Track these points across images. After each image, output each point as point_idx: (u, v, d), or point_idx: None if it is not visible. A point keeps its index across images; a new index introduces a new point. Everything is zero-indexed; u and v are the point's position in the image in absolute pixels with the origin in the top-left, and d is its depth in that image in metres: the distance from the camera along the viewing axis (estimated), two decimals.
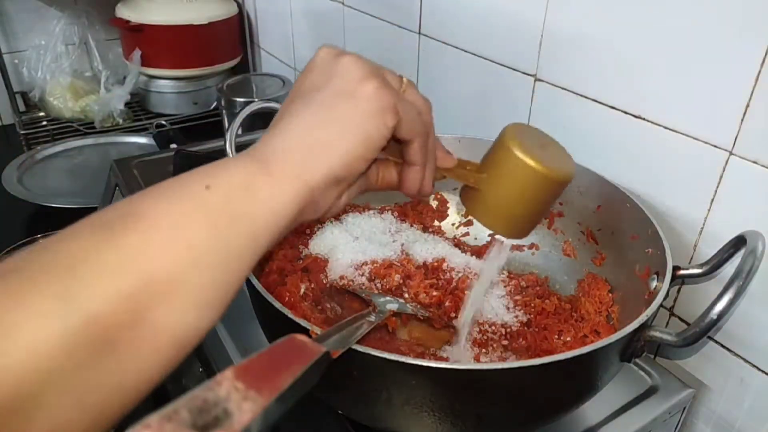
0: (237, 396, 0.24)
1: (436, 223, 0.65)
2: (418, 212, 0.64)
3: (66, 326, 0.22)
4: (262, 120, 1.03)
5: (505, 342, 0.48)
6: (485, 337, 0.47)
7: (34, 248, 0.25)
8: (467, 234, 0.64)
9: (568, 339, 0.48)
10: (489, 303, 0.50)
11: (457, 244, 0.60)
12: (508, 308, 0.50)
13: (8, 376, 0.21)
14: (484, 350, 0.46)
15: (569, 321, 0.50)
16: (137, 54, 1.16)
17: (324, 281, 0.51)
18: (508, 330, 0.48)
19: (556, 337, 0.48)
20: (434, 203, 0.65)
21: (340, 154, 0.30)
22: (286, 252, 0.52)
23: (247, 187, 0.28)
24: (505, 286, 0.52)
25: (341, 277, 0.50)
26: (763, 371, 0.49)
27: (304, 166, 0.29)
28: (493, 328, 0.48)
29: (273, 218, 0.28)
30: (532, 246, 0.61)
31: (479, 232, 0.64)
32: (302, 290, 0.49)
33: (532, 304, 0.50)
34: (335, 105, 0.31)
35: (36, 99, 1.22)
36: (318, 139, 0.30)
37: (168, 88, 1.23)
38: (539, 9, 0.59)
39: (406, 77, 0.35)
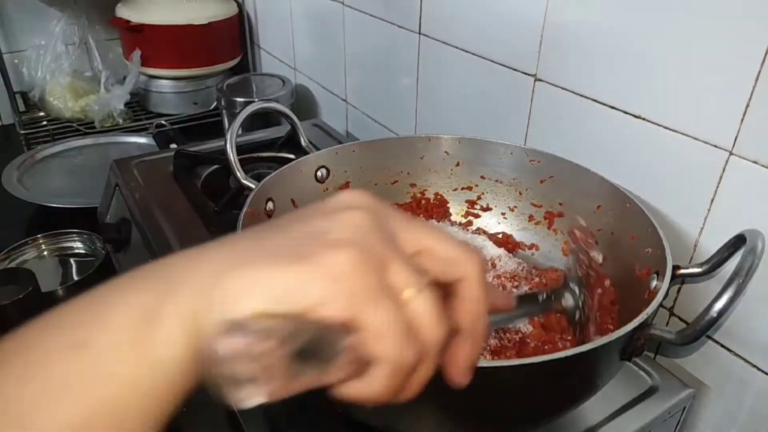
0: (348, 355, 0.22)
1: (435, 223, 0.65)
2: (423, 208, 0.64)
3: None
4: (262, 120, 1.04)
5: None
6: (500, 344, 0.47)
7: None
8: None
9: (569, 337, 0.48)
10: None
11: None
12: None
13: None
14: (497, 358, 0.46)
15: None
16: (137, 54, 1.16)
17: None
18: (521, 337, 0.48)
19: (558, 336, 0.48)
20: (435, 203, 0.65)
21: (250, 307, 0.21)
22: None
23: (134, 341, 0.22)
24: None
25: None
26: (763, 371, 0.49)
27: (204, 315, 0.22)
28: (509, 335, 0.47)
29: (161, 385, 0.22)
30: (532, 246, 0.61)
31: (485, 224, 0.64)
32: None
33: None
34: (280, 257, 0.22)
35: (36, 99, 1.22)
36: (227, 287, 0.22)
37: (168, 88, 1.24)
38: (539, 9, 0.59)
39: (428, 289, 0.24)
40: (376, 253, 0.23)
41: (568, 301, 0.43)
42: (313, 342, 0.22)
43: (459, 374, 0.26)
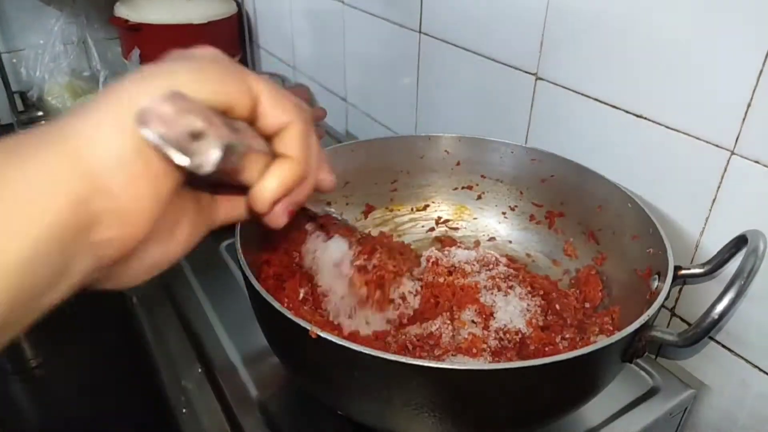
0: (250, 133, 0.24)
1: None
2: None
3: None
4: None
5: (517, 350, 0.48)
6: (501, 345, 0.47)
7: None
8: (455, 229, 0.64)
9: (567, 336, 0.48)
10: (506, 309, 0.50)
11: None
12: (524, 315, 0.50)
13: None
14: (497, 359, 0.46)
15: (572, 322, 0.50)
16: (136, 53, 1.15)
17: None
18: (521, 337, 0.48)
19: (559, 337, 0.48)
20: None
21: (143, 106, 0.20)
22: (282, 258, 0.52)
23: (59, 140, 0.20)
24: (529, 294, 0.52)
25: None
26: (764, 372, 0.49)
27: (83, 129, 0.20)
28: (509, 335, 0.47)
29: (24, 218, 0.18)
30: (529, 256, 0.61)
31: (485, 224, 0.64)
32: (301, 295, 0.49)
33: (549, 310, 0.50)
34: (163, 64, 0.23)
35: (34, 99, 1.21)
36: (118, 92, 0.21)
37: None
38: (540, 8, 0.59)
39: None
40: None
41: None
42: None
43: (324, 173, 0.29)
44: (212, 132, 0.20)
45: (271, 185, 0.24)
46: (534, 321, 0.49)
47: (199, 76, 0.22)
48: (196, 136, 0.20)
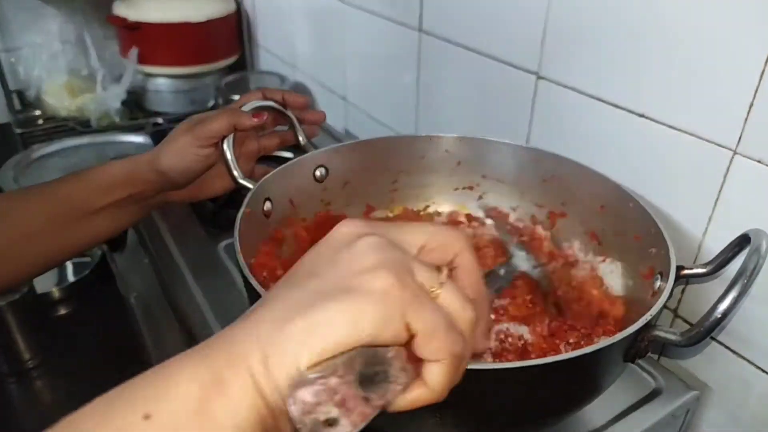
0: (398, 363, 0.24)
1: None
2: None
3: None
4: None
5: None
6: (501, 347, 0.47)
7: None
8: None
9: (572, 341, 0.47)
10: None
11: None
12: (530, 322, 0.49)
13: None
14: (498, 361, 0.46)
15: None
16: (134, 52, 1.15)
17: None
18: (523, 344, 0.47)
19: (563, 344, 0.48)
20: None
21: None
22: (282, 258, 0.52)
23: (197, 412, 0.23)
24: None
25: None
26: (766, 373, 0.48)
27: (265, 377, 0.23)
28: (511, 339, 0.47)
29: None
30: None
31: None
32: None
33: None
34: (326, 299, 0.24)
35: (32, 98, 1.21)
36: (283, 343, 0.23)
37: (165, 86, 1.23)
38: (541, 6, 0.58)
39: (446, 272, 0.27)
40: (401, 265, 0.25)
41: (522, 264, 0.48)
42: (368, 363, 0.23)
43: (481, 340, 0.29)
44: (345, 421, 0.23)
45: (397, 405, 0.26)
46: (538, 329, 0.49)
47: (356, 324, 0.23)
48: (330, 422, 0.22)
